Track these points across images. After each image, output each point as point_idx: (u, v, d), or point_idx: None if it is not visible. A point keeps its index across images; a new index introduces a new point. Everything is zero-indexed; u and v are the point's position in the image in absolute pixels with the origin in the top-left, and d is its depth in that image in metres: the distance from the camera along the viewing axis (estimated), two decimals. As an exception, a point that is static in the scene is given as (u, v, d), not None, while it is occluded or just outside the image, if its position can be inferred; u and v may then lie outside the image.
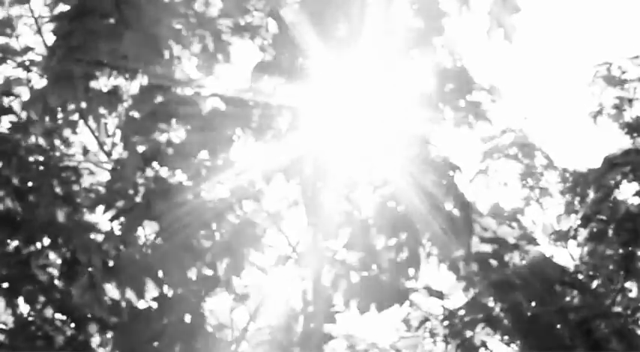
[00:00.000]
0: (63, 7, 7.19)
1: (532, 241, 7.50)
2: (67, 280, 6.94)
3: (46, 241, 7.05)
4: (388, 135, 6.51)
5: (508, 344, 7.24)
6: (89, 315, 6.95)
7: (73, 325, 6.99)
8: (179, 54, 6.85)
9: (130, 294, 6.49)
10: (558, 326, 7.10)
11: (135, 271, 6.42)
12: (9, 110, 7.61)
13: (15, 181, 7.14)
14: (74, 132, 7.44)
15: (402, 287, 6.68)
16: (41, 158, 7.14)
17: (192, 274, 6.50)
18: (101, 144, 7.46)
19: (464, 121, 7.01)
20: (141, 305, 6.51)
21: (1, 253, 7.03)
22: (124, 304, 6.56)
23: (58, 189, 7.13)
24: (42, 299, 6.98)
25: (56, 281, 6.98)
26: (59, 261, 7.05)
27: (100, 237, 7.05)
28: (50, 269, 7.04)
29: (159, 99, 6.48)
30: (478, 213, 7.08)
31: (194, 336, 6.35)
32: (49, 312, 6.98)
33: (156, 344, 6.32)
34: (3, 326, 7.06)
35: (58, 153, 7.19)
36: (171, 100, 6.42)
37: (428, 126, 6.71)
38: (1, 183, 7.10)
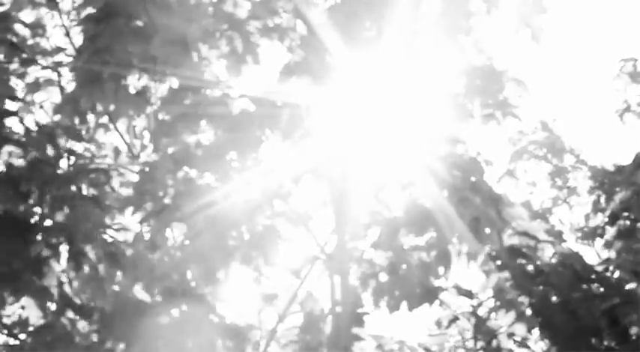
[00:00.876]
0: (90, 10, 7.23)
1: (560, 237, 7.48)
2: (73, 271, 6.84)
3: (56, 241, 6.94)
4: (417, 134, 6.49)
5: (527, 348, 7.21)
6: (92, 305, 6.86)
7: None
8: (208, 55, 6.86)
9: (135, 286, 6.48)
10: (585, 315, 7.07)
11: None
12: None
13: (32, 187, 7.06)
14: (104, 134, 7.45)
15: (432, 286, 6.66)
16: (72, 160, 7.11)
17: (220, 274, 6.50)
18: (130, 146, 7.47)
19: (492, 117, 6.99)
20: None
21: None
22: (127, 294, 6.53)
23: (88, 191, 7.09)
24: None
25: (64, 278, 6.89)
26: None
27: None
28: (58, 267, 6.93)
29: (188, 100, 6.49)
30: (509, 204, 7.04)
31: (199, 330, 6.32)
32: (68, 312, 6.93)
33: (157, 337, 6.28)
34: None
35: (88, 155, 7.17)
36: (200, 102, 6.44)
37: (456, 124, 6.69)
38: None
